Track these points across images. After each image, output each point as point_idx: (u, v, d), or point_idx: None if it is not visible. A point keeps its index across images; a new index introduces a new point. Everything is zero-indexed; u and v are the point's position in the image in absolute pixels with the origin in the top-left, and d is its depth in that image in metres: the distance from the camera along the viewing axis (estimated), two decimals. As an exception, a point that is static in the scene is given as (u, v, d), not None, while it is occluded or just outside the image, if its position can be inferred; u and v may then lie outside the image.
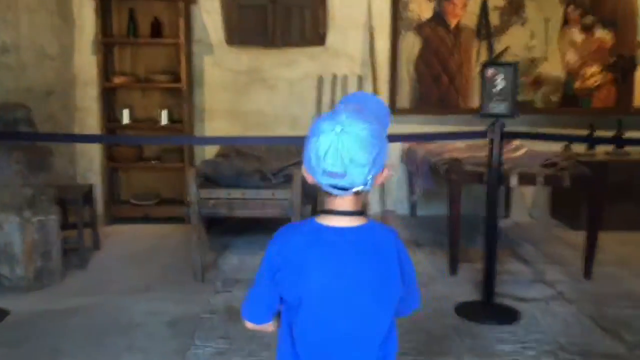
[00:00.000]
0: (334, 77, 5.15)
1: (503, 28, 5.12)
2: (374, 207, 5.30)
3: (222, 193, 3.69)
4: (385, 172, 1.31)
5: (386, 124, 1.36)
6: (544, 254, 4.24)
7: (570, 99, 5.21)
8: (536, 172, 3.70)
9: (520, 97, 5.16)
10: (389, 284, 1.33)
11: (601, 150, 5.04)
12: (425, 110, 5.20)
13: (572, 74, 5.15)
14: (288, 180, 3.94)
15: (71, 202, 3.82)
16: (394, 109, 5.17)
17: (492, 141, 3.05)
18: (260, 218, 3.82)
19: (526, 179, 3.69)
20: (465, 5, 5.10)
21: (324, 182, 1.28)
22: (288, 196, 3.66)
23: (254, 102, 5.24)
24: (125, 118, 4.96)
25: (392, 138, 1.47)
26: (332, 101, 5.14)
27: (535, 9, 5.09)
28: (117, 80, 4.91)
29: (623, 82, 5.15)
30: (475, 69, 5.15)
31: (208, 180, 3.87)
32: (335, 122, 1.25)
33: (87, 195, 4.06)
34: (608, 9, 5.10)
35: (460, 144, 4.71)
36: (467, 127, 5.17)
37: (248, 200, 3.70)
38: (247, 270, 3.81)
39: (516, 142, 4.41)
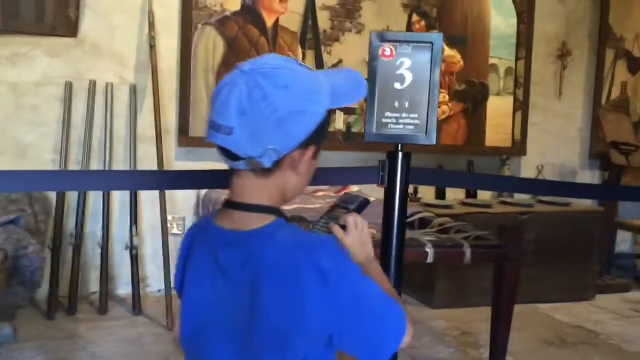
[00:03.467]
0: (92, 84, 3.35)
1: (335, 35, 3.84)
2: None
3: None
4: (309, 153, 0.95)
5: (342, 91, 0.99)
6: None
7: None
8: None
9: (356, 127, 3.91)
10: (261, 321, 0.93)
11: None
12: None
13: (418, 100, 4.02)
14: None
15: None
16: (185, 137, 3.54)
17: (388, 184, 1.58)
18: None
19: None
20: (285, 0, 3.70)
21: (210, 140, 0.95)
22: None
23: (-49, 117, 3.19)
24: None
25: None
26: (90, 121, 3.31)
27: (374, 13, 3.89)
28: None
29: (472, 114, 4.18)
30: (299, 87, 3.76)
31: None
32: (252, 60, 0.95)
33: None
34: (457, 23, 4.11)
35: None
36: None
37: None
38: None
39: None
